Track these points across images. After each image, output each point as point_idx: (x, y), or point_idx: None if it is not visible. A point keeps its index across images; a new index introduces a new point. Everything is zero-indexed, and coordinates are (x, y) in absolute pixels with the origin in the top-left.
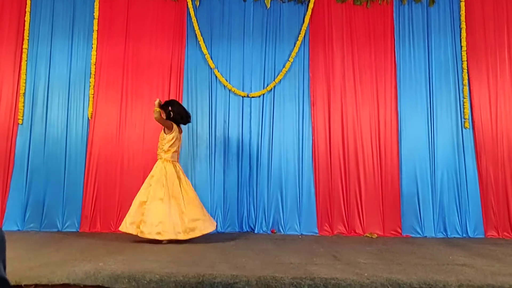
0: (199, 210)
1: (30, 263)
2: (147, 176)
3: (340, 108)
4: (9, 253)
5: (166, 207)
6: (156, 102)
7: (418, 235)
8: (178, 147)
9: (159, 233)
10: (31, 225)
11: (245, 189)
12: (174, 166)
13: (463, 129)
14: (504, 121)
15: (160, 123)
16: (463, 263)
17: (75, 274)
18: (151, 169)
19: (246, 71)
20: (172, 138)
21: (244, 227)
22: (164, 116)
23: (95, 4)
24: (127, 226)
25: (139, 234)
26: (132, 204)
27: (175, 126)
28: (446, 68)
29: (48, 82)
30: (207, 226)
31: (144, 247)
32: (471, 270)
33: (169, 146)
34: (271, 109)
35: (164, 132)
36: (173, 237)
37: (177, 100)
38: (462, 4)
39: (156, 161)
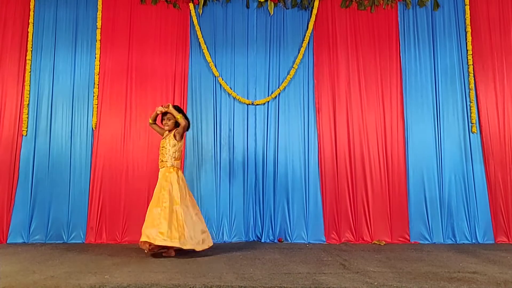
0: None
1: (35, 277)
2: (154, 186)
3: (345, 114)
4: (14, 266)
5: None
6: (170, 106)
7: (427, 242)
8: None
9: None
10: (37, 237)
11: (251, 198)
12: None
13: (470, 133)
14: None
15: (183, 131)
16: (474, 270)
17: None
18: (156, 179)
19: (250, 79)
20: (182, 145)
21: (250, 236)
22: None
23: (98, 14)
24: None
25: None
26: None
27: None
28: (452, 72)
29: (52, 93)
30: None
31: (150, 258)
32: (483, 278)
33: (180, 154)
34: (276, 117)
35: (175, 139)
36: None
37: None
38: (467, 7)
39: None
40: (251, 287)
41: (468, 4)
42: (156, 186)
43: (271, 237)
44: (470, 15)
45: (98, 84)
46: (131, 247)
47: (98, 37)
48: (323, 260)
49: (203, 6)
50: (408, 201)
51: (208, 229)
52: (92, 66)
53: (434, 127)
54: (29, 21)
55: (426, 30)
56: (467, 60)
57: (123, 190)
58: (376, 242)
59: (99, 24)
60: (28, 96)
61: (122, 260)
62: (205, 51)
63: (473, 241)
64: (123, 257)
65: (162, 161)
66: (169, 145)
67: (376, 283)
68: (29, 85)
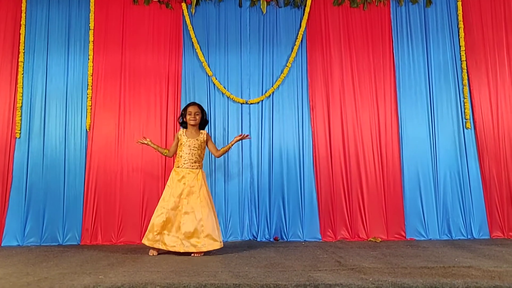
0: None
1: (29, 278)
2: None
3: (339, 112)
4: (7, 269)
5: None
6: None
7: (423, 238)
8: None
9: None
10: (31, 239)
11: (246, 197)
12: None
13: (465, 129)
14: (506, 120)
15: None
16: (469, 265)
17: None
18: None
19: (244, 78)
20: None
21: (246, 235)
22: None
23: (90, 15)
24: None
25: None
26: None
27: None
28: (446, 69)
29: (45, 94)
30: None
31: (145, 258)
32: (477, 272)
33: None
34: (270, 115)
35: (202, 146)
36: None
37: (175, 109)
38: (459, 3)
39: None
40: (245, 284)
41: (460, 0)
42: (208, 190)
43: (267, 236)
44: (463, 11)
45: (91, 85)
46: (127, 247)
47: (91, 38)
48: (318, 257)
49: (195, 5)
50: (403, 197)
51: None
52: (85, 67)
53: (428, 124)
54: (21, 22)
55: (419, 27)
56: (460, 56)
57: (118, 190)
58: (372, 239)
59: (91, 25)
60: (21, 98)
61: (117, 261)
62: (198, 50)
63: (469, 236)
64: (118, 258)
65: (195, 162)
66: (197, 146)
67: (371, 279)
68: (22, 87)
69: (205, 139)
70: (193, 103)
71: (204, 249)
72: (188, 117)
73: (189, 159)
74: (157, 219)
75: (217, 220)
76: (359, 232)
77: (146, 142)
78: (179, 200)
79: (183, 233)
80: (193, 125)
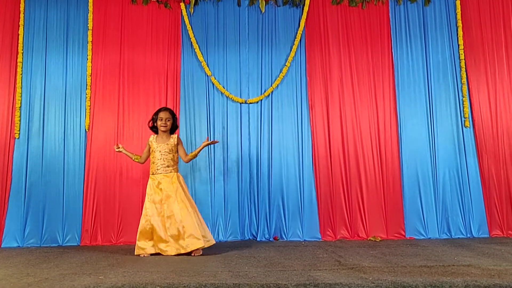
0: None
1: (29, 279)
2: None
3: (338, 111)
4: (8, 270)
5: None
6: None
7: (422, 237)
8: None
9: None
10: (31, 240)
11: (246, 197)
12: None
13: (464, 128)
14: (504, 119)
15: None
16: (469, 263)
17: None
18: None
19: (243, 77)
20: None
21: (246, 235)
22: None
23: (89, 15)
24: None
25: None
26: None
27: None
28: (444, 67)
29: (44, 95)
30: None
31: (145, 258)
32: (477, 271)
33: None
34: (269, 115)
35: (174, 150)
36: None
37: (174, 109)
38: (458, 2)
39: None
40: (245, 284)
41: None
42: (186, 191)
43: (267, 236)
44: (461, 10)
45: (90, 85)
46: (127, 248)
47: (90, 38)
48: (318, 257)
49: (194, 5)
50: (402, 196)
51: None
52: (84, 67)
53: (427, 122)
54: (20, 23)
55: (418, 26)
56: (459, 55)
57: (117, 191)
58: (371, 239)
59: (90, 25)
60: (20, 98)
61: (117, 261)
62: (197, 50)
63: (468, 235)
64: (118, 258)
65: (168, 166)
66: (168, 150)
67: (370, 278)
68: (21, 88)
69: (175, 142)
70: (165, 109)
71: (189, 249)
72: (159, 122)
73: (162, 164)
74: (143, 228)
75: (201, 218)
76: (359, 231)
77: (118, 150)
78: (161, 206)
79: (170, 236)
80: (163, 131)
